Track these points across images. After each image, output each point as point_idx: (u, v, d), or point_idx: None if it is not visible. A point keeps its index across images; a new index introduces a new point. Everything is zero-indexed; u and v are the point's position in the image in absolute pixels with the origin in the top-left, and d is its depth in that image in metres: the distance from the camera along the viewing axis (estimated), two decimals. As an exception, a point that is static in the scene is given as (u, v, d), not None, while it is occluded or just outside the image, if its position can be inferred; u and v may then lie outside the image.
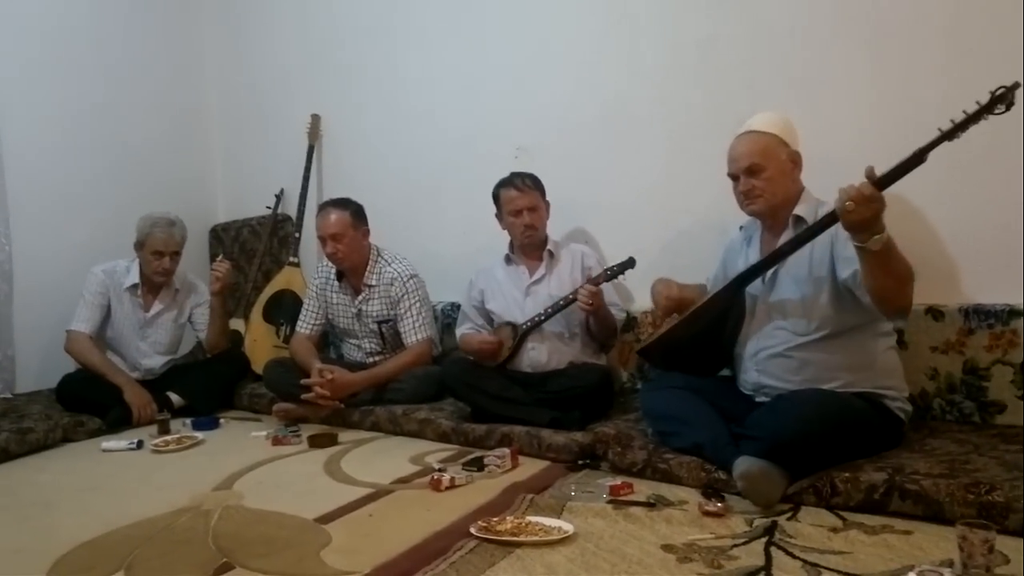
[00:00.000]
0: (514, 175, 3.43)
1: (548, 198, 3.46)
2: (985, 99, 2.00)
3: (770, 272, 2.59)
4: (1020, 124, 2.58)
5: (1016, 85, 1.99)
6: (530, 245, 3.47)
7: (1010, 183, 2.73)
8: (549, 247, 3.47)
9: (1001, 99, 1.99)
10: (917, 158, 2.09)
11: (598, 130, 3.70)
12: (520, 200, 3.37)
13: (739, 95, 3.25)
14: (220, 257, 4.14)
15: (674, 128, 3.48)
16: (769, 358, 2.56)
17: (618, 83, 3.64)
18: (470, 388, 3.26)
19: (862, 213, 2.08)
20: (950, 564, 1.75)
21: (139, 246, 3.93)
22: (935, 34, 2.88)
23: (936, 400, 2.82)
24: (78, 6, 4.62)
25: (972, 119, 2.02)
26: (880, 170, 2.09)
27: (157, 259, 3.90)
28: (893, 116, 2.93)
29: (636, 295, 3.55)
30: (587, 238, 3.73)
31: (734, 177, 2.62)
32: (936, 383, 2.82)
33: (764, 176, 2.54)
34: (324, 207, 3.76)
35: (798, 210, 2.55)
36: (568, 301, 3.23)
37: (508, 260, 3.55)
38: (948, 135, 2.04)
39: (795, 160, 2.59)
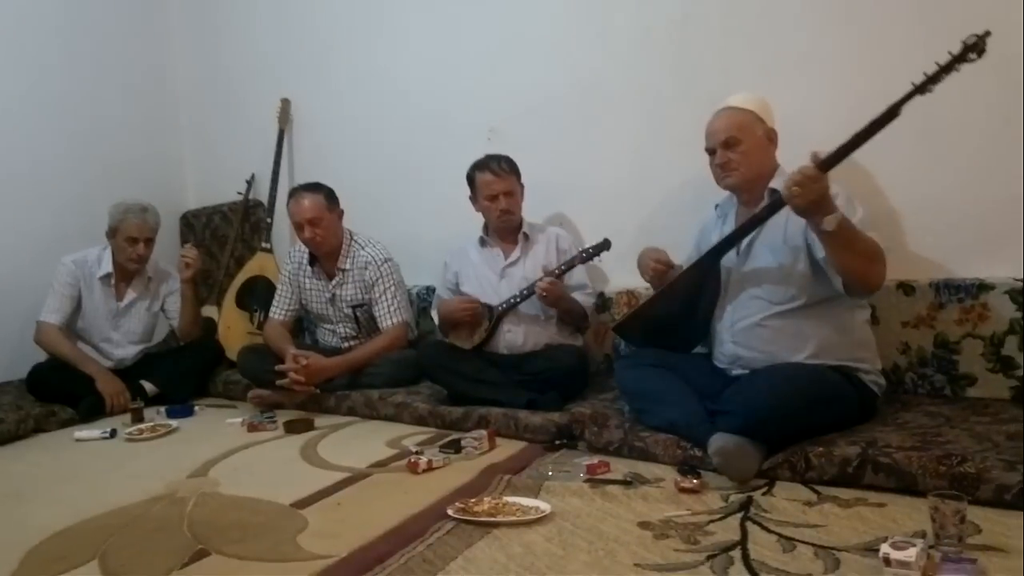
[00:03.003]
0: (490, 158, 3.41)
1: (522, 180, 3.45)
2: (957, 49, 2.01)
3: (745, 242, 2.61)
4: (986, 96, 2.61)
5: (987, 33, 2.00)
6: (506, 229, 3.46)
7: (979, 157, 2.76)
8: (524, 230, 3.46)
9: (973, 47, 2.01)
10: (891, 113, 2.13)
11: (571, 111, 3.69)
12: (496, 185, 3.36)
13: (712, 74, 3.25)
14: (189, 243, 4.10)
15: (647, 108, 3.47)
16: (745, 328, 2.58)
17: (591, 64, 3.62)
18: (446, 371, 3.26)
19: (806, 196, 2.14)
20: (923, 535, 1.76)
21: (112, 233, 3.88)
22: (907, 10, 2.88)
23: (908, 374, 2.85)
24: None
25: (944, 70, 2.04)
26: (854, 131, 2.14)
27: (131, 245, 3.85)
28: (866, 92, 2.90)
29: (611, 276, 3.56)
30: (561, 219, 3.72)
31: (711, 151, 2.66)
32: (907, 357, 2.85)
33: (740, 150, 2.58)
34: (296, 192, 3.72)
35: (773, 184, 2.58)
36: (530, 292, 3.23)
37: (483, 243, 3.54)
38: (920, 88, 2.07)
39: (771, 137, 2.64)
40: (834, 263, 2.32)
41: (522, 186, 3.45)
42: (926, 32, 2.82)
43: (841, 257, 2.28)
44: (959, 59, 2.02)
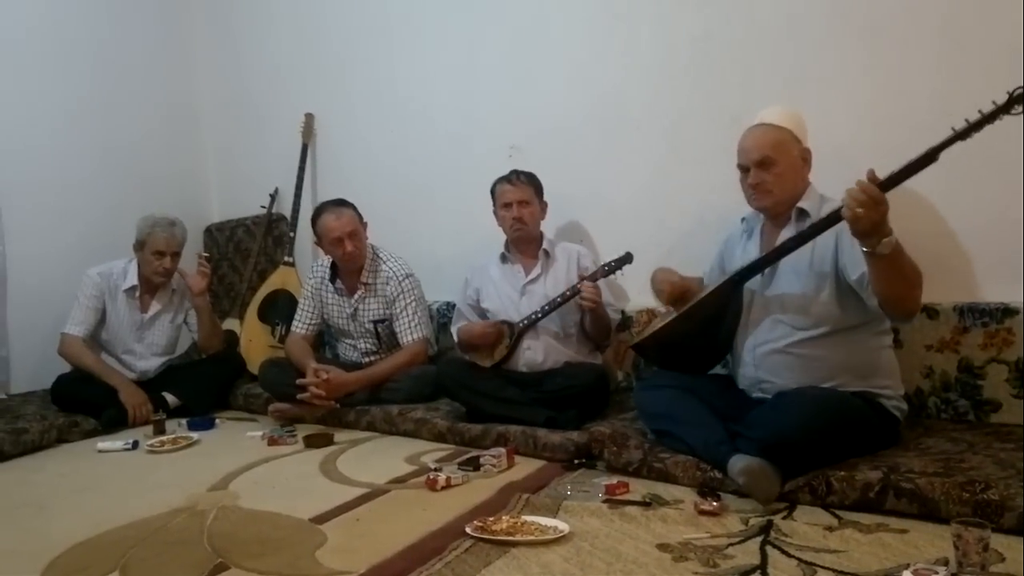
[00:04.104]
0: (510, 172, 3.45)
1: (545, 199, 3.47)
2: (1002, 99, 1.96)
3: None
4: (1015, 121, 2.59)
5: None
6: (520, 240, 3.47)
7: (1005, 179, 2.74)
8: (545, 246, 3.47)
9: (1019, 99, 1.95)
10: (928, 157, 2.06)
11: (593, 128, 3.70)
12: (511, 193, 3.39)
13: (734, 92, 3.25)
14: (203, 255, 4.16)
15: (669, 126, 3.48)
16: (768, 354, 2.54)
17: (613, 81, 3.63)
18: (465, 389, 3.26)
19: (871, 217, 2.05)
20: (945, 562, 1.75)
21: (139, 246, 3.92)
22: (929, 29, 2.88)
23: (931, 399, 2.83)
24: (68, 3, 4.61)
25: (987, 119, 1.98)
26: (884, 171, 2.07)
27: (158, 259, 3.89)
28: (888, 111, 2.94)
29: (632, 294, 3.56)
30: (582, 236, 3.72)
31: (744, 169, 2.59)
32: (931, 382, 2.82)
33: (775, 171, 2.51)
34: (329, 208, 3.70)
35: (802, 203, 2.54)
36: (566, 297, 3.22)
37: (504, 259, 3.54)
38: (962, 135, 2.01)
39: (805, 157, 2.58)
40: (877, 287, 2.25)
41: (544, 203, 3.46)
42: (949, 52, 2.83)
43: (888, 280, 2.21)
44: (1003, 109, 1.96)
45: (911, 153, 2.11)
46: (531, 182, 3.42)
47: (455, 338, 3.60)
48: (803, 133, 2.59)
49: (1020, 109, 1.96)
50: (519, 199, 3.38)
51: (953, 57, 2.82)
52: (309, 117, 4.70)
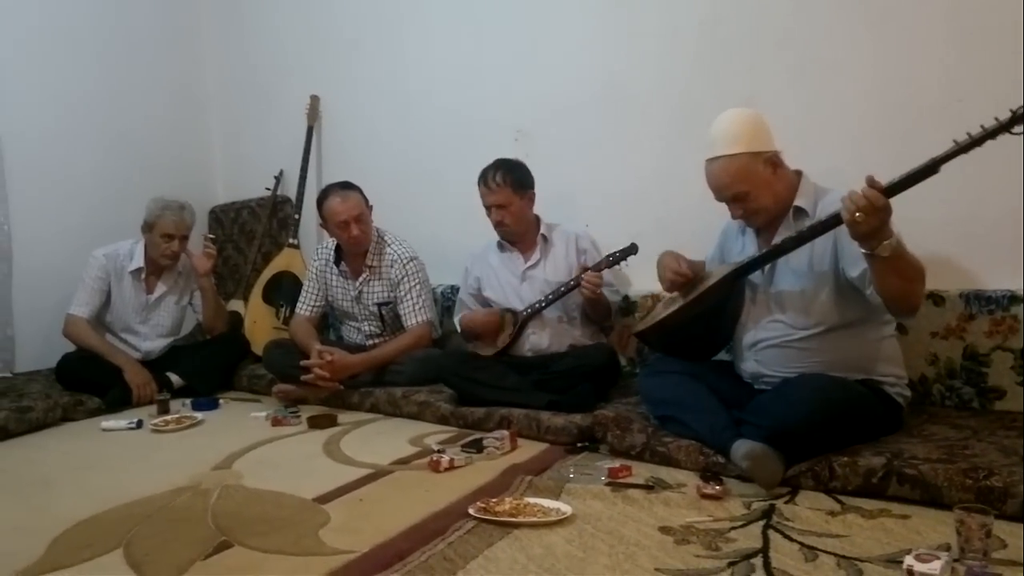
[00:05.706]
0: (488, 169, 3.38)
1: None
2: (1005, 116, 1.94)
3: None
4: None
5: None
6: (507, 236, 3.46)
7: (1011, 168, 2.72)
8: (542, 231, 3.46)
9: (1022, 119, 1.93)
10: (930, 168, 2.05)
11: (598, 112, 3.69)
12: (488, 197, 3.36)
13: (741, 77, 3.24)
14: (209, 236, 4.17)
15: (674, 110, 3.46)
16: (767, 348, 2.54)
17: (618, 65, 3.62)
18: (466, 380, 3.24)
19: (871, 223, 2.05)
20: (947, 548, 1.75)
21: (148, 228, 3.92)
22: (936, 14, 2.86)
23: (936, 386, 2.82)
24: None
25: (989, 135, 1.96)
26: (882, 176, 2.06)
27: (167, 242, 3.89)
28: (894, 97, 2.92)
29: (635, 279, 3.54)
30: (587, 220, 3.70)
31: (723, 200, 2.56)
32: (936, 369, 2.82)
33: (751, 198, 2.47)
34: (335, 191, 3.68)
35: (798, 201, 2.49)
36: (569, 288, 3.22)
37: (501, 246, 3.53)
38: (964, 148, 1.99)
39: (775, 162, 2.47)
40: (879, 285, 2.23)
41: (531, 195, 3.42)
42: (956, 37, 2.81)
43: (889, 280, 2.19)
44: (1005, 127, 1.94)
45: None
46: (507, 181, 3.33)
47: (458, 328, 3.60)
48: (760, 141, 2.45)
49: (1021, 129, 1.93)
50: (495, 203, 3.35)
51: (961, 41, 2.80)
52: (314, 99, 4.69)
